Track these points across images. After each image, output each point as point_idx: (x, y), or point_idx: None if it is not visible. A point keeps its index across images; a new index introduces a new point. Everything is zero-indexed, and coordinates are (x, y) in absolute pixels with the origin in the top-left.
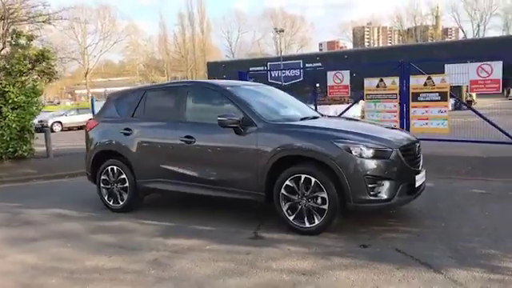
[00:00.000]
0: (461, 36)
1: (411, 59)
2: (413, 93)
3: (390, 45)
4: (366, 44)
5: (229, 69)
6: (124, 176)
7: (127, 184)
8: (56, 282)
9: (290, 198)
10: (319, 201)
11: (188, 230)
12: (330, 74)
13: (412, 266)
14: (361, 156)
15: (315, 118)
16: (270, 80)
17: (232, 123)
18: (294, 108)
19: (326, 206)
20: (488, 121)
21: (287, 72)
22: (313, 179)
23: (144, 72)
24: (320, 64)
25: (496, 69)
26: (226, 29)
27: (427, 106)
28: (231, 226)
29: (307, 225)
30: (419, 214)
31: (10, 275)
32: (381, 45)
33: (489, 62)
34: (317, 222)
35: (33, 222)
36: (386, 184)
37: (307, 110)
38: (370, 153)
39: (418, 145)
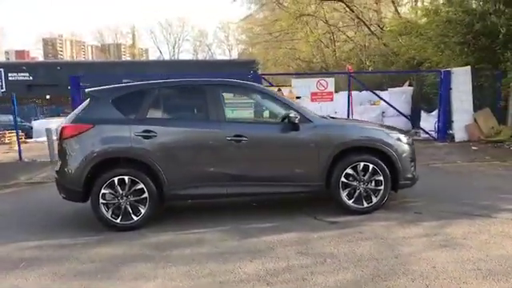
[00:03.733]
0: (157, 56)
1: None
2: None
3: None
4: (60, 56)
5: None
6: (141, 186)
7: (146, 195)
8: None
9: (350, 183)
10: (374, 184)
11: (252, 229)
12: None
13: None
14: (406, 143)
15: (330, 117)
16: None
17: (299, 121)
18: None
19: (381, 187)
20: None
21: None
22: (370, 165)
23: None
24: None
25: (330, 84)
26: None
27: None
28: (288, 219)
29: (365, 205)
30: None
31: None
32: (75, 57)
33: (325, 79)
34: (374, 201)
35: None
36: (414, 164)
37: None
38: (409, 140)
39: None
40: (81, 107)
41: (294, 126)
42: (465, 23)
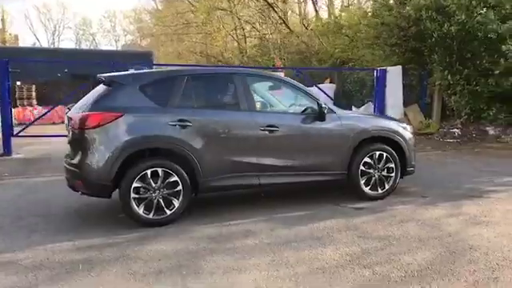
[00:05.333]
0: (33, 43)
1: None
2: None
3: None
4: None
5: None
6: (175, 178)
7: (180, 187)
8: None
9: (367, 171)
10: (387, 171)
11: (289, 218)
12: None
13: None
14: (410, 133)
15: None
16: None
17: (328, 111)
18: None
19: (393, 174)
20: None
21: None
22: (384, 154)
23: None
24: None
25: None
26: None
27: None
28: (315, 207)
29: (379, 191)
30: None
31: None
32: None
33: None
34: (386, 187)
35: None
36: (415, 153)
37: None
38: (411, 130)
39: None
40: (99, 94)
41: (321, 117)
42: (401, 27)
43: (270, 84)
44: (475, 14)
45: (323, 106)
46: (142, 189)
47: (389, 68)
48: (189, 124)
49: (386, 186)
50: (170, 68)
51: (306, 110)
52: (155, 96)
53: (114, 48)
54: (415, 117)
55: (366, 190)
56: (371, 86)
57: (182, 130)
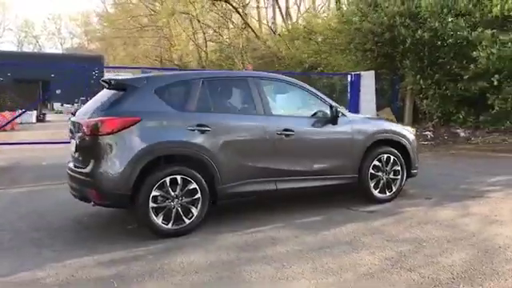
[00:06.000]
0: None
1: None
2: None
3: None
4: None
5: None
6: (194, 185)
7: (198, 195)
8: None
9: (376, 174)
10: (393, 174)
11: (308, 223)
12: None
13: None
14: (414, 136)
15: None
16: None
17: (341, 114)
18: None
19: (398, 177)
20: None
21: None
22: (392, 157)
23: None
24: None
25: None
26: None
27: None
28: (328, 211)
29: (387, 194)
30: None
31: None
32: None
33: None
34: (394, 189)
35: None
36: (418, 155)
37: None
38: (414, 133)
39: None
40: (112, 98)
41: (334, 120)
42: (375, 33)
43: (283, 87)
44: (447, 22)
45: (338, 109)
46: (159, 197)
47: (363, 73)
48: (208, 129)
49: (394, 189)
50: (182, 71)
51: (316, 113)
52: (171, 100)
53: (59, 51)
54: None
55: (375, 192)
56: (341, 90)
57: (201, 135)
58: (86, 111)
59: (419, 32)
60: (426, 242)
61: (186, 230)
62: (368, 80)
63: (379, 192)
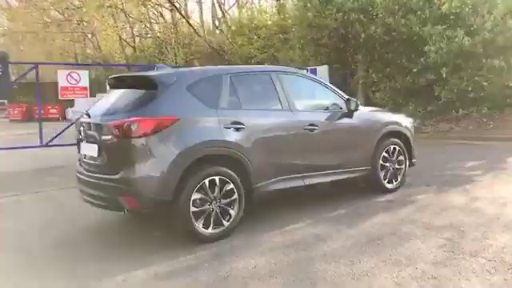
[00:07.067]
0: None
1: None
2: None
3: None
4: None
5: None
6: (231, 186)
7: (235, 196)
8: None
9: (384, 165)
10: (398, 164)
11: (336, 217)
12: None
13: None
14: (412, 126)
15: None
16: None
17: (358, 107)
18: None
19: (403, 166)
20: None
21: None
22: (397, 147)
23: None
24: None
25: (84, 77)
26: None
27: None
28: (349, 203)
29: (394, 184)
30: None
31: None
32: None
33: (78, 71)
34: (399, 179)
35: None
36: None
37: None
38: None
39: None
40: (137, 97)
41: (349, 114)
42: (328, 28)
43: (300, 80)
44: (399, 18)
45: (358, 102)
46: (198, 201)
47: (318, 67)
48: (242, 126)
49: (399, 178)
50: (207, 67)
51: (333, 106)
52: (203, 97)
53: None
54: None
55: (385, 183)
56: None
57: (237, 133)
58: (108, 112)
59: (373, 28)
60: (462, 227)
61: (225, 233)
62: (323, 74)
63: (388, 182)
